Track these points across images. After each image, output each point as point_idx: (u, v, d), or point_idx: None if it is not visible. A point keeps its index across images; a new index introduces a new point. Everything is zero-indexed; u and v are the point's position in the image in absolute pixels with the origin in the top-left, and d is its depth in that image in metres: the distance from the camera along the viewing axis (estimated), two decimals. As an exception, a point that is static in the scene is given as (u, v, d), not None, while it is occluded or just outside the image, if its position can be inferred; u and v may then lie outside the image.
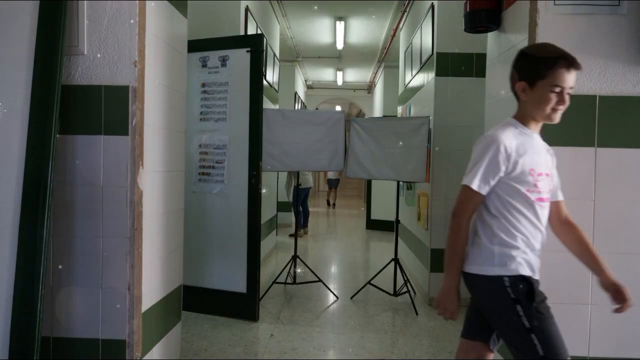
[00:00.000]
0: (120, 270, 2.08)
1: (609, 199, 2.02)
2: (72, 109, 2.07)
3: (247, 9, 4.55)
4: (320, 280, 4.48)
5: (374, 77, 10.71)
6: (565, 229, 1.71)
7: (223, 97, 3.69)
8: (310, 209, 12.63)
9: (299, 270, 4.72)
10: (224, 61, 3.68)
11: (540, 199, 1.58)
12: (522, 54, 1.62)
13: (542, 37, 2.02)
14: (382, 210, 8.52)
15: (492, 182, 1.56)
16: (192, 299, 3.68)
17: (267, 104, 5.53)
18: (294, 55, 8.69)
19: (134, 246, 2.09)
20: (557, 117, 1.58)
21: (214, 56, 3.71)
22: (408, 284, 4.24)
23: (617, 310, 1.59)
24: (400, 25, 6.22)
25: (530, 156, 1.56)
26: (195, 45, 3.59)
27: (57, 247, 2.08)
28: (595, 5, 2.01)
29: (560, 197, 1.71)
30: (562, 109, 1.56)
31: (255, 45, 3.60)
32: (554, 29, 2.03)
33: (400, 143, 4.07)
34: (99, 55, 2.09)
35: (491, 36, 2.64)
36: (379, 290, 4.33)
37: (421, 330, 3.51)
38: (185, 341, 3.13)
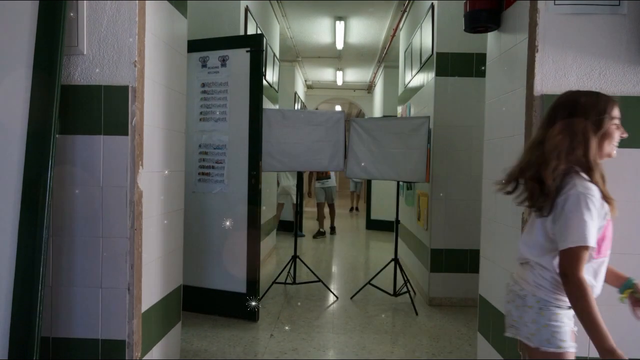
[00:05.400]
0: (120, 270, 2.08)
1: (609, 199, 2.01)
2: (72, 109, 2.07)
3: (247, 9, 4.55)
4: (320, 281, 4.48)
5: (374, 77, 10.70)
6: None
7: (223, 97, 3.69)
8: (309, 209, 12.52)
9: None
10: (223, 61, 3.68)
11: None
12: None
13: (542, 37, 2.02)
14: (382, 210, 8.51)
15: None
16: (192, 299, 3.68)
17: (267, 104, 5.53)
18: (294, 55, 8.69)
19: (133, 246, 2.09)
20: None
21: (213, 56, 3.71)
22: (408, 284, 4.24)
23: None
24: (400, 25, 6.22)
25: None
26: (195, 45, 3.59)
27: (57, 247, 2.08)
28: (595, 5, 2.01)
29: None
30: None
31: (255, 45, 3.60)
32: (554, 29, 2.02)
33: (400, 143, 4.07)
34: (98, 55, 2.09)
35: (491, 36, 2.64)
36: (379, 291, 4.33)
37: (421, 330, 3.51)
38: (185, 341, 3.13)
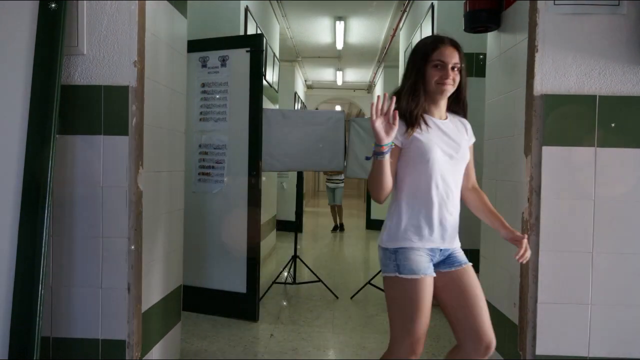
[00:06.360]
0: (120, 271, 2.08)
1: (609, 199, 2.02)
2: (72, 109, 2.07)
3: (247, 9, 4.55)
4: (320, 280, 4.48)
5: (374, 77, 10.70)
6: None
7: (223, 97, 3.69)
8: (309, 209, 12.56)
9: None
10: (223, 61, 3.68)
11: None
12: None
13: (542, 37, 2.03)
14: (382, 210, 8.50)
15: None
16: (192, 299, 3.68)
17: (267, 104, 5.53)
18: (293, 55, 8.69)
19: (133, 246, 2.09)
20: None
21: (213, 56, 3.71)
22: (408, 284, 4.23)
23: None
24: (400, 25, 6.21)
25: None
26: (195, 45, 3.59)
27: (57, 247, 2.08)
28: (595, 5, 2.01)
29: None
30: None
31: (255, 45, 3.60)
32: (554, 29, 2.03)
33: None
34: (98, 56, 2.09)
35: (491, 36, 2.64)
36: (379, 290, 4.33)
37: (421, 330, 3.51)
38: (185, 341, 3.13)
